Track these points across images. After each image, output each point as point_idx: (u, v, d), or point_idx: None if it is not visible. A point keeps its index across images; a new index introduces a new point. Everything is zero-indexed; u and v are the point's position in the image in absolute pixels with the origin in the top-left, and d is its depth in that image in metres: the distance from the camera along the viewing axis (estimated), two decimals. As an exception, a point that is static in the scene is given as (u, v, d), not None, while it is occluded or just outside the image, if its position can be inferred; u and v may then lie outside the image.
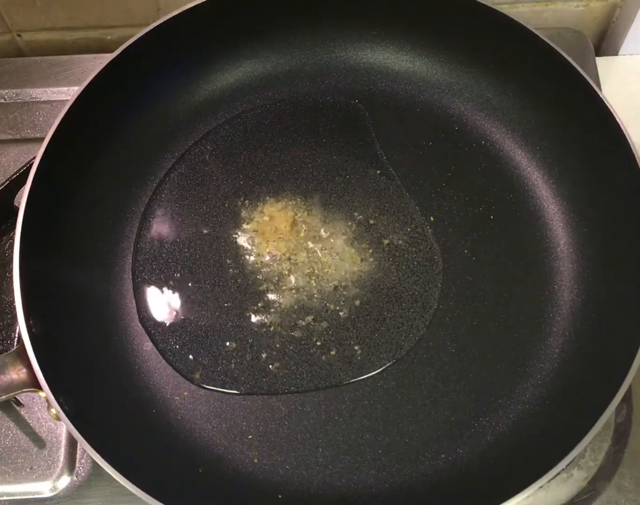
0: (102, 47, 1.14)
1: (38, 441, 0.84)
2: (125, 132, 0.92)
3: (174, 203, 0.92)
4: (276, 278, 0.88)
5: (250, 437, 0.80)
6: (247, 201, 0.92)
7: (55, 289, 0.81)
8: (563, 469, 0.72)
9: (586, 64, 1.04)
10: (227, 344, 0.84)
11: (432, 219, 0.91)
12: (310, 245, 0.89)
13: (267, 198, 0.92)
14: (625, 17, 1.09)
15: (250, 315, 0.86)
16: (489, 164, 0.94)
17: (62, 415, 0.70)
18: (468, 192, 0.92)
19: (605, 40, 1.17)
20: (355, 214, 0.91)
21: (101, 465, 0.68)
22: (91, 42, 1.14)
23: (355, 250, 0.89)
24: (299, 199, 0.92)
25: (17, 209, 0.78)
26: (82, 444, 0.69)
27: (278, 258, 0.89)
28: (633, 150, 0.80)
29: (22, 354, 0.72)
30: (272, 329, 0.85)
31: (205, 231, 0.91)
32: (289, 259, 0.89)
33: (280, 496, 0.77)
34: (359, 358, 0.83)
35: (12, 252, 0.76)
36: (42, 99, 1.05)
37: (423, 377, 0.82)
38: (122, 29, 1.12)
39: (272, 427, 0.80)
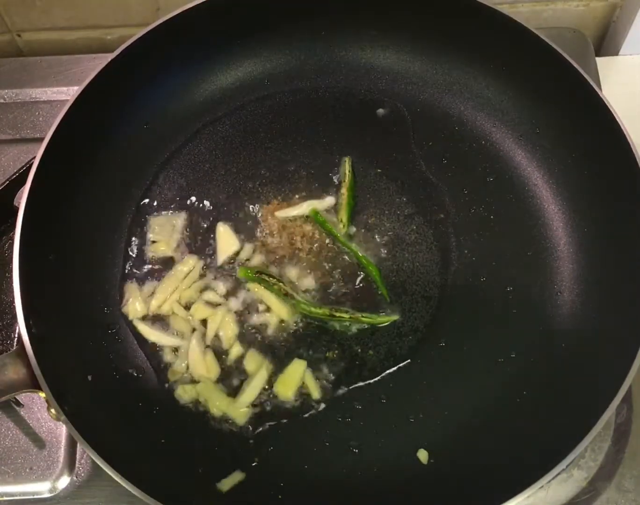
0: (102, 47, 1.14)
1: (38, 441, 0.84)
2: (125, 132, 0.92)
3: (174, 203, 0.92)
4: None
5: (251, 442, 0.80)
6: (246, 200, 0.92)
7: (55, 289, 0.81)
8: (563, 469, 0.72)
9: (586, 64, 1.04)
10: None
11: (432, 219, 0.91)
12: (310, 244, 0.89)
13: (267, 197, 0.92)
14: (625, 17, 1.09)
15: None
16: (489, 164, 0.94)
17: (62, 415, 0.70)
18: (468, 192, 0.92)
19: (606, 40, 1.17)
20: (355, 213, 0.91)
21: (101, 465, 0.68)
22: (91, 42, 1.14)
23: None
24: (299, 199, 0.92)
25: (17, 209, 0.78)
26: (82, 444, 0.69)
27: (277, 256, 0.89)
28: (633, 150, 0.80)
29: (22, 354, 0.72)
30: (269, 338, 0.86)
31: (203, 231, 0.91)
32: (288, 258, 0.89)
33: (280, 496, 0.77)
34: (358, 360, 0.83)
35: (12, 252, 0.76)
36: (42, 99, 1.05)
37: (422, 377, 0.82)
38: (122, 29, 1.12)
39: (272, 428, 0.80)
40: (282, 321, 0.85)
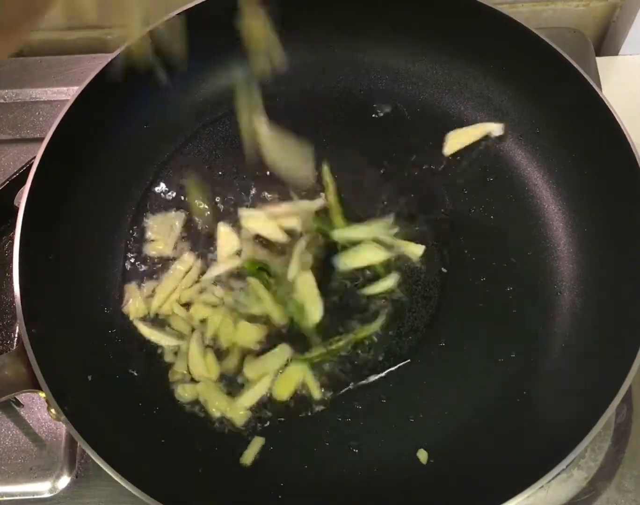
0: (102, 47, 1.14)
1: (38, 441, 0.84)
2: (125, 132, 0.92)
3: (174, 203, 0.92)
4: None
5: (250, 439, 0.80)
6: (246, 201, 0.92)
7: (55, 289, 0.81)
8: (563, 469, 0.72)
9: (586, 64, 1.04)
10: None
11: (432, 219, 0.90)
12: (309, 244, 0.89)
13: (267, 197, 0.92)
14: (625, 17, 1.09)
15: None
16: (489, 164, 0.94)
17: (62, 415, 0.70)
18: (468, 192, 0.92)
19: (606, 40, 1.17)
20: (355, 213, 0.91)
21: (101, 465, 0.68)
22: (91, 42, 1.14)
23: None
24: (300, 199, 0.92)
25: (17, 209, 0.79)
26: (82, 444, 0.69)
27: (276, 256, 0.89)
28: (633, 150, 0.80)
29: (22, 354, 0.72)
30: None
31: (202, 230, 0.91)
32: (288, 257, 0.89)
33: (280, 496, 0.77)
34: (357, 360, 0.83)
35: (12, 252, 0.76)
36: (41, 99, 1.05)
37: (422, 377, 0.82)
38: (122, 28, 1.12)
39: (272, 429, 0.80)
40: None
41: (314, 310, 0.84)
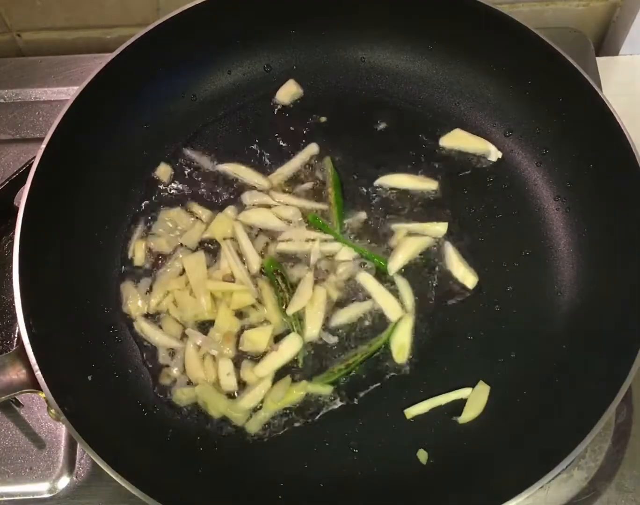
0: (101, 47, 1.14)
1: (38, 441, 0.84)
2: (124, 132, 0.92)
3: (175, 203, 0.92)
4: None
5: (251, 442, 0.80)
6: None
7: (55, 289, 0.81)
8: (563, 469, 0.72)
9: (586, 64, 1.04)
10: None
11: (432, 219, 0.90)
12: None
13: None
14: (625, 17, 1.09)
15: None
16: (489, 164, 0.94)
17: (62, 415, 0.70)
18: (468, 192, 0.92)
19: (606, 40, 1.17)
20: (356, 213, 0.91)
21: (101, 465, 0.68)
22: (91, 42, 1.14)
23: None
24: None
25: (17, 209, 0.79)
26: (82, 444, 0.69)
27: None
28: (633, 150, 0.80)
29: (22, 354, 0.72)
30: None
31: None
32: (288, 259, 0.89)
33: (280, 496, 0.77)
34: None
35: (12, 252, 0.76)
36: (41, 99, 1.05)
37: (423, 377, 0.82)
38: (122, 28, 1.12)
39: (272, 429, 0.80)
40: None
41: (312, 327, 0.83)
